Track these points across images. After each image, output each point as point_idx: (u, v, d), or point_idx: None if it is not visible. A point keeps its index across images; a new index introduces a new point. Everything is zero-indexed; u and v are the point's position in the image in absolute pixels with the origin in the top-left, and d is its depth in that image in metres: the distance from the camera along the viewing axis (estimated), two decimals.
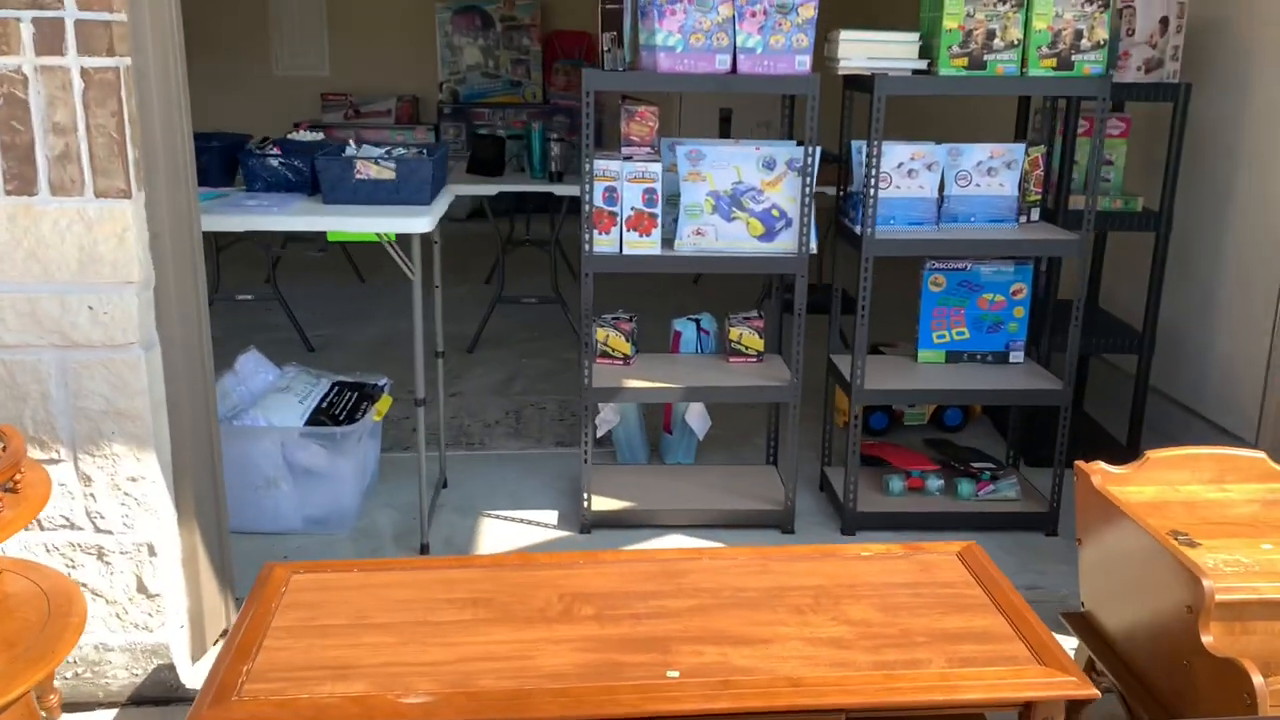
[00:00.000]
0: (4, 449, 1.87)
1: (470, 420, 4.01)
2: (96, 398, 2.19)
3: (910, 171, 2.98)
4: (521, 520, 3.20)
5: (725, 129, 5.52)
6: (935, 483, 3.22)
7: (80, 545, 2.29)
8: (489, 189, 4.69)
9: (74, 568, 2.30)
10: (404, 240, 2.74)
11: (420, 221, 2.68)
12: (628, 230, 2.90)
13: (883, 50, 2.89)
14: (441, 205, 2.95)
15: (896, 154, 2.96)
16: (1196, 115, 3.49)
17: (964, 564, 2.19)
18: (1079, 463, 2.21)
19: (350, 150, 3.04)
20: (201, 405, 2.41)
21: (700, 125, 7.45)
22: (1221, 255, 3.64)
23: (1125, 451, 3.62)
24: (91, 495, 2.26)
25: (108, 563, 2.30)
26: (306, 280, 5.95)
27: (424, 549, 2.99)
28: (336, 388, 3.20)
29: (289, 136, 3.96)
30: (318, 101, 8.48)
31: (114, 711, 2.35)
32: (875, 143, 2.82)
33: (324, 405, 3.10)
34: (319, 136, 3.97)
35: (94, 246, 2.12)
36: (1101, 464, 2.21)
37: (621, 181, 2.88)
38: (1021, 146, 3.05)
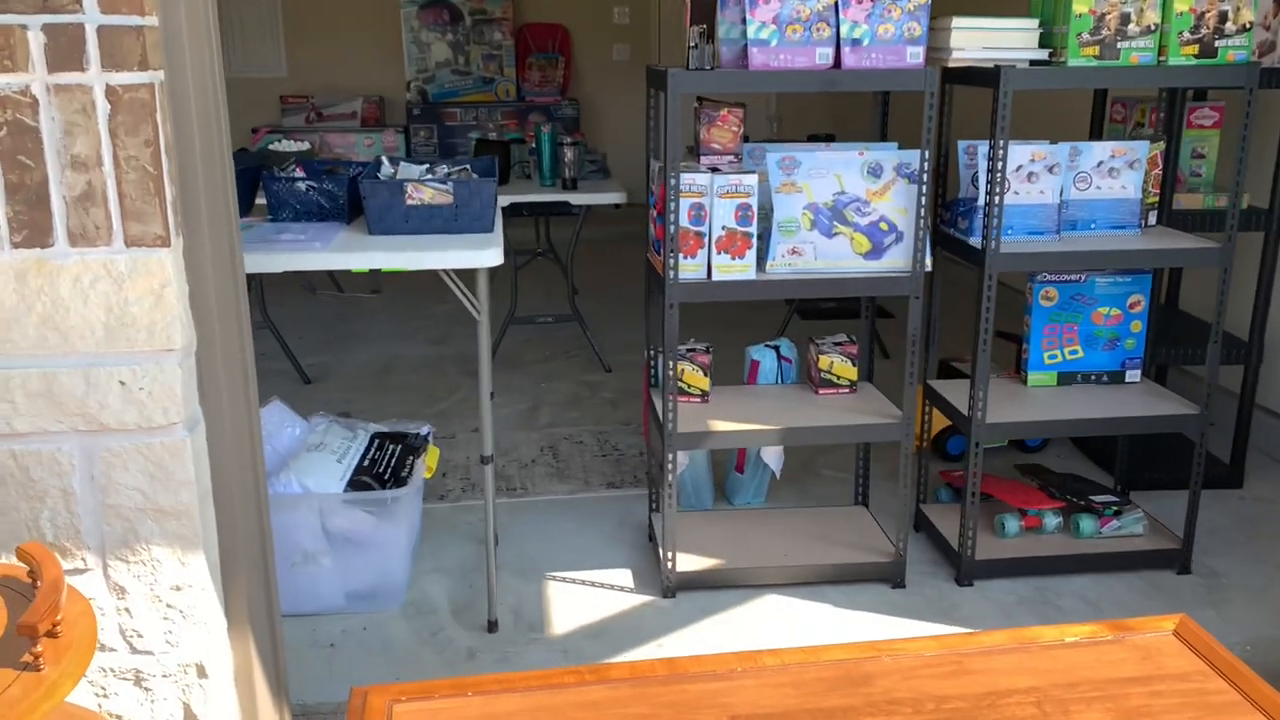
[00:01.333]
0: (35, 583, 1.45)
1: (504, 460, 3.60)
2: (131, 493, 1.77)
3: (1030, 175, 2.64)
4: (593, 583, 2.81)
5: None
6: (1053, 520, 2.90)
7: (113, 670, 1.86)
8: (500, 200, 4.27)
9: (105, 697, 1.87)
10: (466, 272, 2.33)
11: (491, 254, 2.28)
12: (717, 253, 2.53)
13: (1000, 39, 2.54)
14: (500, 227, 2.55)
15: (1015, 156, 2.62)
16: None
17: (1186, 645, 1.86)
18: None
19: (386, 170, 2.62)
20: (251, 489, 1.99)
21: None
22: None
23: (1231, 470, 3.34)
24: (127, 610, 1.83)
25: (147, 689, 1.88)
26: (277, 293, 5.47)
27: (493, 626, 2.59)
28: (377, 441, 2.78)
29: (270, 148, 3.52)
30: (277, 105, 7.95)
31: None
32: (1001, 144, 2.47)
33: (365, 463, 2.68)
34: (304, 146, 3.53)
35: (125, 307, 1.69)
36: None
37: (711, 197, 2.50)
38: (1145, 144, 2.73)
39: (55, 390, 1.71)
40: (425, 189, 2.36)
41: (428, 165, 2.67)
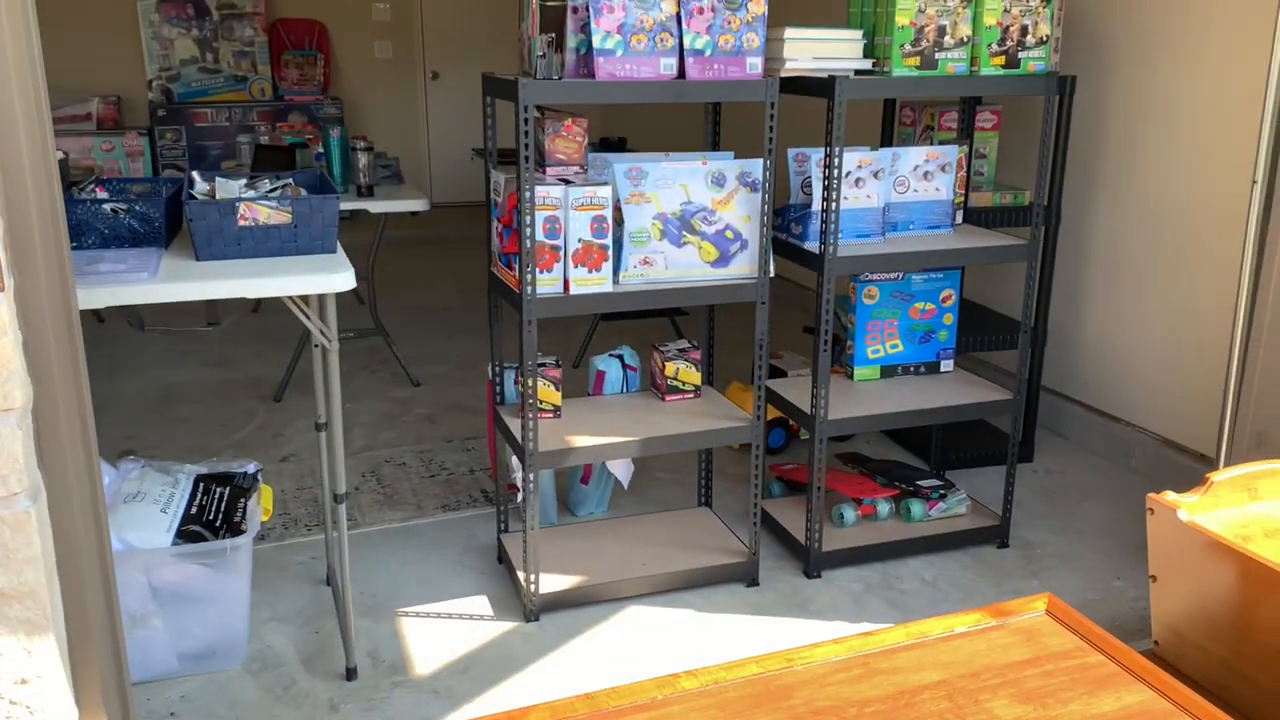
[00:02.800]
0: None
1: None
2: None
3: (858, 180, 2.75)
4: (449, 615, 2.69)
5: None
6: (885, 507, 3.05)
7: None
8: None
9: None
10: (310, 296, 2.16)
11: (343, 277, 2.12)
12: (574, 266, 2.47)
13: (829, 49, 2.63)
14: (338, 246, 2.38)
15: (845, 162, 2.72)
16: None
17: (1060, 623, 1.99)
18: (1153, 496, 2.07)
19: (200, 187, 2.38)
20: (96, 555, 1.75)
21: (503, 125, 6.94)
22: (1088, 245, 3.72)
23: (1022, 447, 3.63)
24: None
25: None
26: None
27: (351, 673, 2.42)
28: (202, 484, 2.53)
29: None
30: None
31: None
32: (837, 152, 2.56)
33: (193, 511, 2.44)
34: (59, 156, 3.20)
35: None
36: (1172, 494, 2.09)
37: (566, 209, 2.44)
38: (955, 149, 2.91)
39: None
40: (260, 208, 2.17)
41: (246, 180, 2.45)
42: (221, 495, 2.53)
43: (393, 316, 5.20)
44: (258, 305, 5.50)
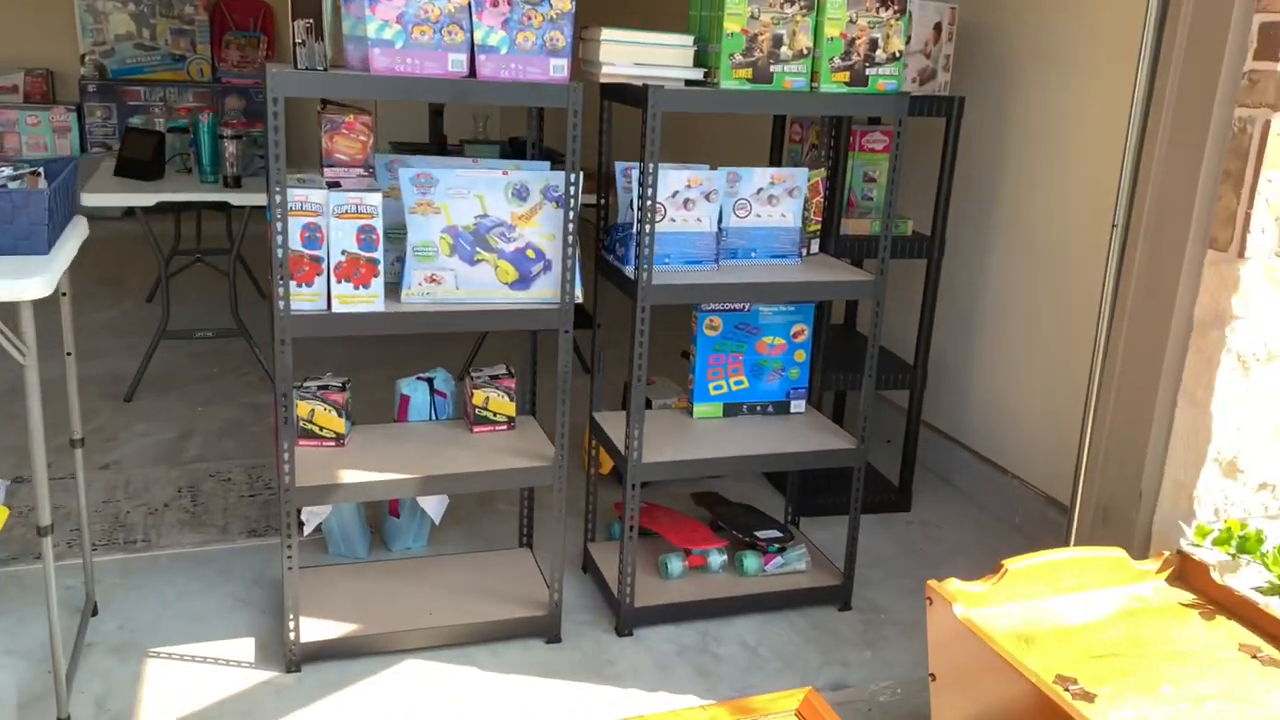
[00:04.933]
0: None
1: (130, 505, 3.12)
2: None
3: (687, 201, 2.48)
4: (206, 659, 2.42)
5: (437, 124, 4.83)
6: (718, 559, 2.78)
7: None
8: (144, 198, 3.77)
9: None
10: (8, 306, 1.90)
11: (31, 284, 1.86)
12: (338, 281, 2.21)
13: (652, 55, 2.36)
14: (69, 249, 2.12)
15: (670, 182, 2.45)
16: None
17: None
18: (931, 584, 1.81)
19: None
20: None
21: (404, 117, 6.68)
22: (982, 278, 3.45)
23: (899, 494, 3.36)
24: None
25: None
26: None
27: None
28: None
29: None
30: None
31: None
32: (650, 169, 2.29)
33: None
34: None
35: None
36: (956, 583, 1.81)
37: (327, 217, 2.17)
38: (804, 171, 2.64)
39: None
40: None
41: None
42: None
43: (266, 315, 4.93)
44: (152, 294, 5.24)
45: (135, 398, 3.95)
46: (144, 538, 2.94)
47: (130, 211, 3.99)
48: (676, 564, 2.74)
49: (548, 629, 2.55)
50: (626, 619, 2.59)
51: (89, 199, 3.63)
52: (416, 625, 2.49)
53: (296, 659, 2.38)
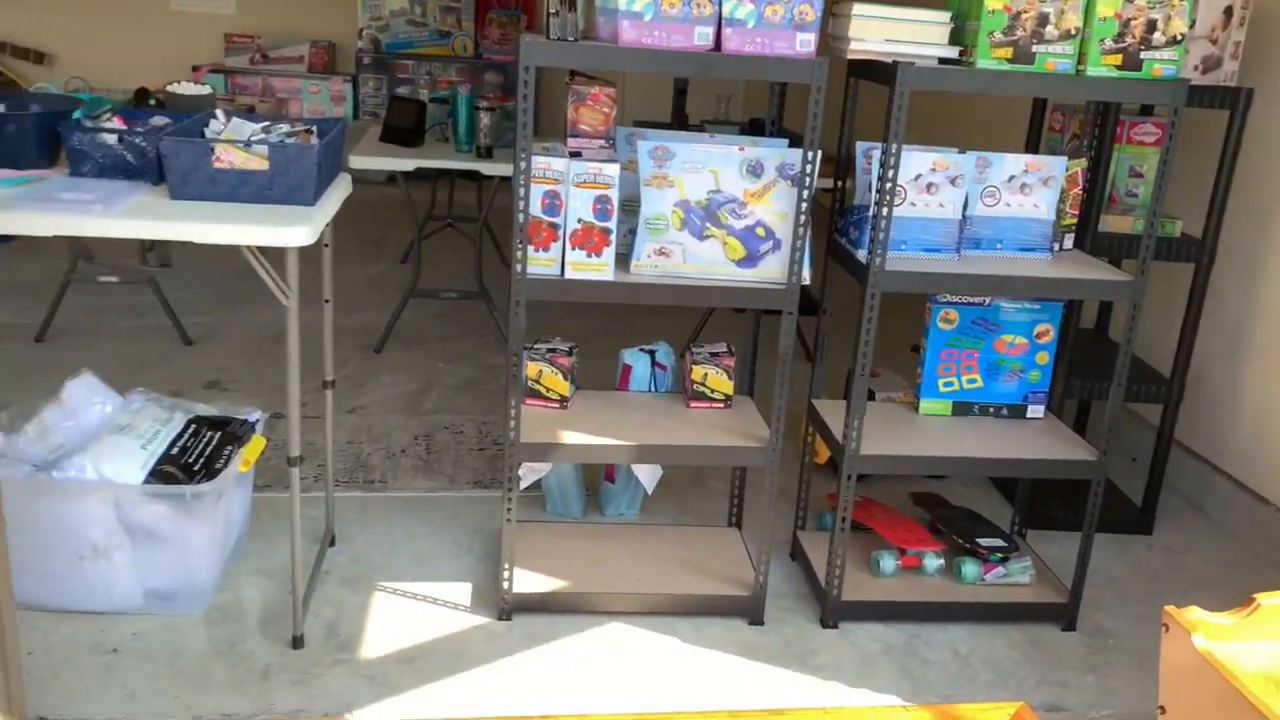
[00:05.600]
0: None
1: (371, 448, 3.34)
2: None
3: (929, 185, 2.38)
4: (425, 598, 2.56)
5: (680, 103, 4.88)
6: (934, 562, 2.67)
7: None
8: (404, 163, 4.00)
9: None
10: (277, 250, 2.06)
11: (297, 232, 2.01)
12: (572, 248, 2.26)
13: (905, 31, 2.28)
14: (333, 203, 2.28)
15: (914, 164, 2.36)
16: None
17: None
18: (1170, 610, 1.66)
19: (216, 126, 2.34)
20: None
21: (648, 95, 6.79)
22: (1257, 289, 3.13)
23: (1141, 515, 3.11)
24: None
25: None
26: (187, 246, 5.17)
27: (298, 641, 2.34)
28: (193, 426, 2.52)
29: (169, 88, 3.22)
30: (221, 43, 7.59)
31: None
32: (894, 149, 2.21)
33: (174, 451, 2.42)
34: (204, 90, 3.23)
35: None
36: (1198, 611, 1.66)
37: (567, 185, 2.23)
38: (1063, 160, 2.48)
39: None
40: (236, 152, 2.09)
41: (267, 123, 2.39)
42: (210, 440, 2.50)
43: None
44: (406, 255, 5.58)
45: (384, 350, 4.22)
46: (381, 479, 3.14)
47: (392, 178, 4.25)
48: (889, 562, 2.66)
49: (751, 610, 2.53)
50: (833, 611, 2.54)
51: (356, 161, 3.89)
52: (623, 589, 2.53)
53: (509, 608, 2.48)
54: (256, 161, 2.10)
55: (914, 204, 2.39)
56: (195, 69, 7.34)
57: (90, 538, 2.33)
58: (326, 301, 2.59)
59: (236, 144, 2.10)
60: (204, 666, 2.26)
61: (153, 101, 3.07)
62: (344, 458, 3.26)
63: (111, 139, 2.22)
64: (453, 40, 7.75)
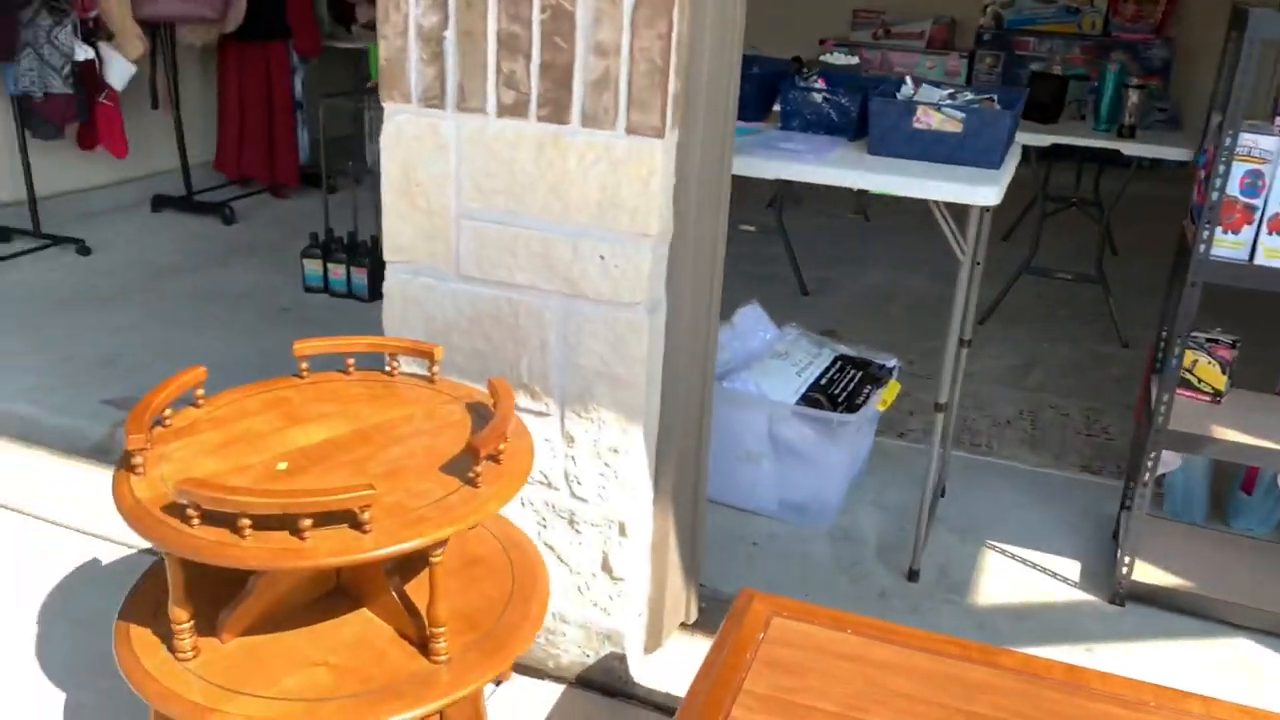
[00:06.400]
0: (494, 404, 1.66)
1: (977, 414, 3.42)
2: (593, 356, 1.94)
3: None
4: (1033, 565, 2.60)
5: None
6: None
7: (554, 506, 2.09)
8: (1040, 139, 3.97)
9: (545, 527, 2.12)
10: (958, 208, 2.20)
11: (986, 192, 2.13)
12: (1269, 233, 2.13)
13: None
14: (1010, 168, 2.37)
15: None
16: None
17: None
18: None
19: (906, 90, 2.54)
20: (699, 378, 2.09)
21: None
22: None
23: None
24: (572, 458, 2.04)
25: (578, 531, 2.09)
26: (804, 211, 5.61)
27: (914, 575, 2.51)
28: (839, 364, 2.78)
29: (822, 58, 3.55)
30: (848, 17, 8.02)
31: (560, 688, 2.16)
32: None
33: (822, 381, 2.70)
34: (852, 60, 3.52)
35: (616, 189, 1.83)
36: None
37: (1276, 166, 2.10)
38: None
39: (550, 253, 1.91)
40: (935, 113, 2.25)
41: (951, 91, 2.54)
42: (853, 377, 2.75)
43: (1129, 271, 4.84)
44: (1008, 233, 5.54)
45: (988, 321, 4.26)
46: (986, 444, 3.21)
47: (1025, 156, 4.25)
48: None
49: None
50: None
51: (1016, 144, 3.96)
52: (1258, 604, 2.36)
53: (1123, 594, 2.43)
54: (952, 124, 2.25)
55: None
56: (822, 41, 7.85)
57: (745, 443, 2.69)
58: (977, 264, 2.69)
59: (934, 106, 2.27)
60: (828, 576, 2.52)
61: (804, 70, 3.39)
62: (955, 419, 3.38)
63: (818, 98, 2.51)
64: (1081, 18, 7.44)
